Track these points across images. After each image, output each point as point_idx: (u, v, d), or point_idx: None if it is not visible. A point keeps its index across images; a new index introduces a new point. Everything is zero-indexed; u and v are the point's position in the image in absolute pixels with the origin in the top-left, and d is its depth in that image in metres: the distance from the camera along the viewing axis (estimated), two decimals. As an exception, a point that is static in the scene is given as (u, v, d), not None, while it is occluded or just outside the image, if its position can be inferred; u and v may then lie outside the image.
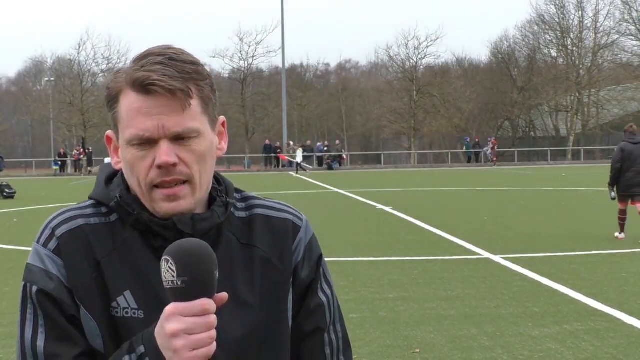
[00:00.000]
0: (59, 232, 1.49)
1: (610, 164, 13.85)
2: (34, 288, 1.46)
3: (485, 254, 11.74)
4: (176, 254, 1.30)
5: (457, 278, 9.76)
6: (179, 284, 1.29)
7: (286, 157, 55.49)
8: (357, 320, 7.60)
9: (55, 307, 1.45)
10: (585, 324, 7.30)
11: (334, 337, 1.63)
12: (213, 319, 1.31)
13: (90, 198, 1.56)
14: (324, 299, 1.61)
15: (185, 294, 1.29)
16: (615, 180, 13.46)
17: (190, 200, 1.49)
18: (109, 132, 1.54)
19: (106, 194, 1.54)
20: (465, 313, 7.85)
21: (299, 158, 47.75)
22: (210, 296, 1.31)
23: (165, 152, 1.44)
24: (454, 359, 6.29)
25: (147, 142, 1.45)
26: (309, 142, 64.45)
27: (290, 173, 45.21)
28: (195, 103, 1.46)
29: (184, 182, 1.47)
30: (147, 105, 1.44)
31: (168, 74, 1.44)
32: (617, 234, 13.53)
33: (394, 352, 6.50)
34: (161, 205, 1.47)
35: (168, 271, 1.30)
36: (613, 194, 13.59)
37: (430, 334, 7.04)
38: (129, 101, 1.46)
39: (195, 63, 1.48)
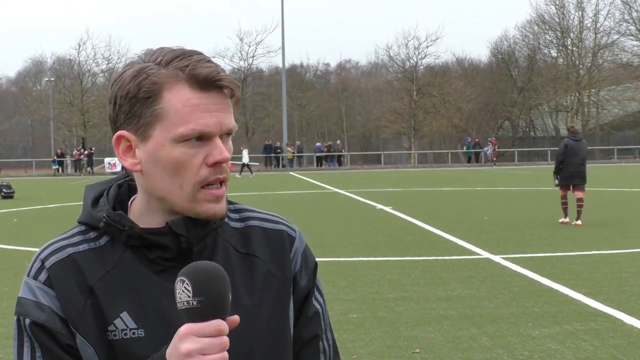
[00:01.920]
0: (48, 263, 1.46)
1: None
2: (27, 320, 1.44)
3: (485, 254, 11.74)
4: (192, 274, 1.28)
5: (457, 278, 9.76)
6: (195, 304, 1.27)
7: (230, 164, 55.55)
8: (357, 320, 7.61)
9: (49, 337, 1.44)
10: (585, 324, 7.30)
11: (327, 344, 1.64)
12: (226, 340, 1.29)
13: (78, 222, 1.54)
14: (318, 307, 1.62)
15: (200, 314, 1.28)
16: (558, 171, 15.89)
17: (225, 203, 1.49)
18: (122, 132, 1.46)
19: (93, 216, 1.51)
20: (465, 313, 7.85)
21: (244, 159, 47.88)
22: (223, 317, 1.30)
23: (223, 149, 1.44)
24: (454, 359, 6.29)
25: (201, 139, 1.43)
26: (298, 143, 64.44)
27: (243, 174, 45.20)
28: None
29: (222, 181, 1.47)
30: (206, 101, 1.42)
31: (224, 72, 1.44)
32: (561, 219, 15.88)
33: (394, 352, 6.50)
34: (207, 207, 1.45)
35: (183, 292, 1.28)
36: (557, 181, 16.02)
37: (430, 334, 7.04)
38: (183, 97, 1.42)
39: None
